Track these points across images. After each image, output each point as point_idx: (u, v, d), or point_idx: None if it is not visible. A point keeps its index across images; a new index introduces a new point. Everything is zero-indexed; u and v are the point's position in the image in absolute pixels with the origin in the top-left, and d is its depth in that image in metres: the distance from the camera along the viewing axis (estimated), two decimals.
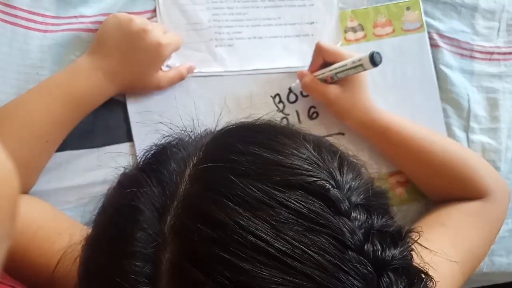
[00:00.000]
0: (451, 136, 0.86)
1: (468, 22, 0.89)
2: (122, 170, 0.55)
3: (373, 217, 0.42)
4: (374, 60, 0.68)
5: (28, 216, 0.64)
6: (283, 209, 0.39)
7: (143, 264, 0.40)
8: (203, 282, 0.38)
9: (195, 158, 0.46)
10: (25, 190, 0.71)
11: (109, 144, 0.77)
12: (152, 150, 0.52)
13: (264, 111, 0.81)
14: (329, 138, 0.80)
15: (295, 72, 0.81)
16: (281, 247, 0.37)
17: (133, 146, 0.77)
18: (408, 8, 0.86)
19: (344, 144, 0.83)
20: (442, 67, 0.86)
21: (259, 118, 0.54)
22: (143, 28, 0.71)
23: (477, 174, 0.78)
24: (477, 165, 0.79)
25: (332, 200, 0.40)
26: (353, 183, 0.44)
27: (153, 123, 0.78)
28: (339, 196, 0.41)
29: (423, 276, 0.42)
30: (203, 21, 0.81)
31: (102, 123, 0.77)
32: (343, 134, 0.83)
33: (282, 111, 0.82)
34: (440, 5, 0.88)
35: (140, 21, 0.72)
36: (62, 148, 0.74)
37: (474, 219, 0.76)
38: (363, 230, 0.40)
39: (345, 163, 0.46)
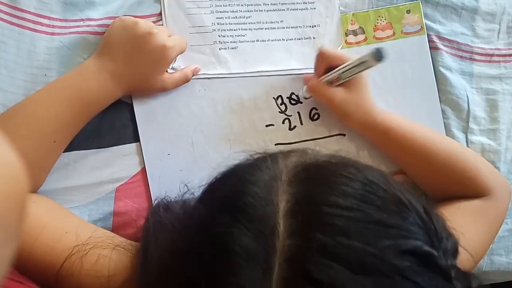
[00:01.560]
0: (450, 137, 0.86)
1: (468, 24, 0.90)
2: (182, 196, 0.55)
3: (469, 277, 0.42)
4: (378, 55, 0.67)
5: (35, 214, 0.64)
6: (401, 279, 0.38)
7: None
8: None
9: (283, 202, 0.44)
10: (33, 190, 0.71)
11: (115, 145, 0.77)
12: (219, 184, 0.49)
13: (267, 112, 0.82)
14: (331, 139, 0.82)
15: (297, 74, 0.82)
16: None
17: (139, 146, 0.78)
18: (408, 11, 0.87)
19: (345, 145, 0.84)
20: (442, 69, 0.87)
21: (332, 154, 0.51)
22: (148, 31, 0.72)
23: (479, 173, 0.78)
24: (479, 164, 0.79)
25: (439, 266, 0.40)
26: (448, 243, 0.43)
27: (159, 123, 0.79)
28: (443, 260, 0.41)
29: None
30: (208, 25, 0.82)
31: (109, 124, 0.77)
32: (344, 135, 0.84)
33: (284, 112, 0.83)
34: (441, 8, 0.88)
35: (145, 24, 0.72)
36: (69, 148, 0.74)
37: (475, 217, 0.76)
38: None
39: (433, 215, 0.45)
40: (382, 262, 0.38)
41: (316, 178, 0.47)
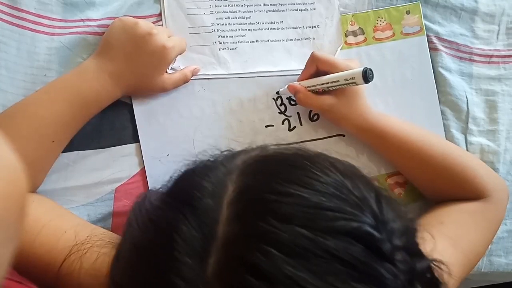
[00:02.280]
0: (449, 138, 0.86)
1: (468, 25, 0.90)
2: (140, 194, 0.55)
3: (414, 259, 0.42)
4: (366, 76, 0.69)
5: (34, 214, 0.64)
6: (331, 258, 0.39)
7: None
8: None
9: (229, 192, 0.45)
10: (32, 190, 0.72)
11: (115, 145, 0.78)
12: (177, 179, 0.51)
13: (266, 113, 0.82)
14: (331, 140, 0.82)
15: (297, 75, 0.82)
16: None
17: (139, 147, 0.78)
18: (408, 12, 0.87)
19: (345, 145, 0.84)
20: (441, 70, 0.87)
21: (287, 146, 0.53)
22: (148, 32, 0.72)
23: (476, 175, 0.78)
24: (476, 167, 0.79)
25: (377, 246, 0.40)
26: (393, 224, 0.43)
27: (158, 124, 0.79)
28: (382, 241, 0.41)
29: None
30: (207, 25, 0.82)
31: (108, 124, 0.77)
32: (343, 135, 0.84)
33: (283, 113, 0.83)
34: (440, 9, 0.88)
35: (145, 25, 0.72)
36: (69, 148, 0.74)
37: (473, 218, 0.76)
38: (406, 275, 0.40)
39: (382, 198, 0.45)
40: (315, 244, 0.39)
41: (261, 169, 0.49)
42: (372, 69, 0.70)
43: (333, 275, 0.38)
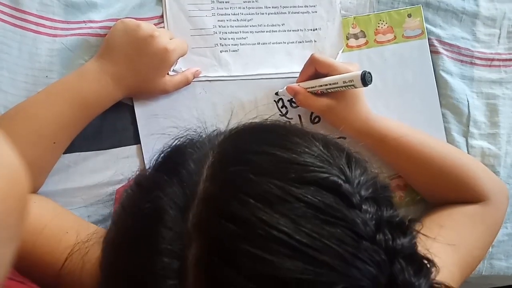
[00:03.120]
0: (450, 141, 0.86)
1: (469, 29, 0.90)
2: (135, 172, 0.58)
3: (382, 209, 0.44)
4: (365, 80, 0.69)
5: (35, 214, 0.64)
6: (301, 204, 0.41)
7: (170, 260, 0.42)
8: (231, 275, 0.40)
9: (211, 158, 0.48)
10: (33, 190, 0.72)
11: (116, 147, 0.78)
12: (165, 151, 0.54)
13: (267, 115, 0.82)
14: None
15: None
16: (302, 239, 0.40)
17: (140, 148, 0.78)
18: (409, 15, 0.87)
19: None
20: (442, 73, 0.87)
21: (266, 119, 0.56)
22: (150, 34, 0.72)
23: (476, 178, 0.78)
24: (476, 170, 0.79)
25: (344, 194, 0.43)
26: (361, 178, 0.45)
27: (159, 126, 0.79)
28: (350, 190, 0.43)
29: (429, 262, 0.44)
30: (209, 27, 0.82)
31: (109, 126, 0.77)
32: (344, 138, 0.83)
33: (285, 115, 0.83)
34: (441, 12, 0.89)
35: (147, 27, 0.73)
36: (70, 150, 0.75)
37: (472, 221, 0.76)
38: (374, 221, 0.42)
39: (352, 159, 0.48)
40: (286, 192, 0.42)
41: (239, 136, 0.52)
42: (371, 73, 0.70)
43: (303, 217, 0.41)
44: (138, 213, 0.47)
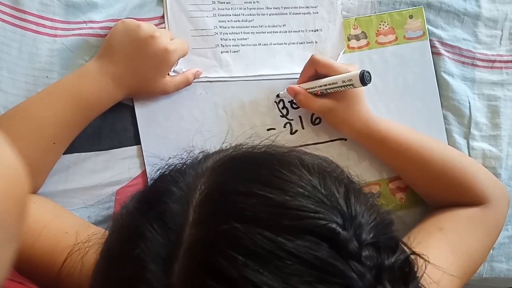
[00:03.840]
0: (451, 143, 0.86)
1: (471, 30, 0.90)
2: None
3: (383, 256, 0.41)
4: (364, 79, 0.69)
5: (35, 215, 0.64)
6: (293, 259, 0.38)
7: None
8: None
9: (197, 195, 0.45)
10: (33, 191, 0.72)
11: (116, 147, 0.77)
12: (150, 186, 0.51)
13: (268, 116, 0.82)
14: (332, 144, 0.82)
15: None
16: None
17: (140, 149, 0.78)
18: (411, 17, 0.87)
19: (347, 150, 0.84)
20: (444, 75, 0.87)
21: (258, 144, 0.53)
22: (150, 35, 0.72)
23: (476, 181, 0.78)
24: (476, 172, 0.79)
25: (342, 244, 0.39)
26: (362, 219, 0.42)
27: (160, 126, 0.79)
28: (348, 238, 0.40)
29: None
30: (210, 28, 0.82)
31: (109, 126, 0.77)
32: (345, 139, 0.84)
33: (285, 116, 0.83)
34: (443, 14, 0.89)
35: (147, 27, 0.72)
36: (70, 150, 0.75)
37: (472, 224, 0.76)
38: (373, 271, 0.39)
39: (352, 192, 0.44)
40: (277, 245, 0.38)
41: (228, 170, 0.48)
42: (371, 73, 0.70)
43: (296, 276, 0.37)
44: (120, 264, 0.44)
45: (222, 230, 0.40)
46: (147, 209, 0.46)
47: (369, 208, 0.44)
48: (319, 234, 0.39)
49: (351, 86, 0.71)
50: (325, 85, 0.75)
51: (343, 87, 0.73)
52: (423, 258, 0.45)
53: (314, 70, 0.78)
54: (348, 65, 0.77)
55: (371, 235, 0.41)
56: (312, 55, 0.78)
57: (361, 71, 0.69)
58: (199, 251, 0.40)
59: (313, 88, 0.77)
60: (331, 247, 0.39)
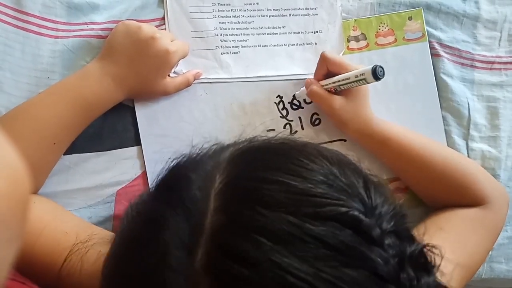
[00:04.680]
0: (451, 144, 0.86)
1: (470, 32, 0.90)
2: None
3: (404, 244, 0.41)
4: (376, 74, 0.69)
5: (35, 215, 0.65)
6: (318, 244, 0.38)
7: None
8: None
9: (217, 183, 0.45)
10: (33, 191, 0.72)
11: (117, 148, 0.78)
12: (165, 174, 0.50)
13: (268, 117, 0.83)
14: (332, 144, 0.82)
15: (299, 79, 0.82)
16: (322, 286, 0.37)
17: (140, 150, 0.78)
18: (410, 18, 0.87)
19: (346, 151, 0.84)
20: (443, 76, 0.87)
21: (274, 136, 0.53)
22: (151, 36, 0.72)
23: (476, 182, 0.78)
24: (476, 174, 0.79)
25: (365, 230, 0.40)
26: (382, 208, 0.43)
27: (160, 127, 0.79)
28: (371, 225, 0.40)
29: None
30: (210, 29, 0.82)
31: (110, 127, 0.78)
32: (344, 140, 0.84)
33: (285, 117, 0.83)
34: (442, 15, 0.89)
35: (148, 29, 0.73)
36: (70, 151, 0.75)
37: (472, 224, 0.76)
38: (396, 258, 0.39)
39: (371, 184, 0.45)
40: (302, 230, 0.39)
41: (248, 159, 0.48)
42: (383, 66, 0.69)
43: (322, 260, 0.38)
44: (141, 250, 0.44)
45: (245, 215, 0.41)
46: (167, 196, 0.47)
47: (387, 199, 0.45)
48: (342, 220, 0.40)
49: (363, 81, 0.71)
50: (338, 81, 0.75)
51: (356, 83, 0.72)
52: (437, 249, 0.46)
53: (326, 67, 0.78)
54: (355, 64, 0.78)
55: (392, 223, 0.42)
56: (322, 52, 0.78)
57: (373, 66, 0.69)
58: (223, 237, 0.40)
59: (327, 85, 0.77)
60: (355, 233, 0.39)
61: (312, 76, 0.81)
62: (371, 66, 0.69)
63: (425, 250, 0.44)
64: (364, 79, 0.70)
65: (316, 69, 0.80)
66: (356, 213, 0.41)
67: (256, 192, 0.42)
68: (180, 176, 0.48)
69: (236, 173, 0.46)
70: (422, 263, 0.42)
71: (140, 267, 0.44)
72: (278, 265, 0.37)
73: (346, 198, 0.42)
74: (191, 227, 0.42)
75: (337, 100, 0.77)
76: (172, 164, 0.51)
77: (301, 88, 0.82)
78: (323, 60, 0.78)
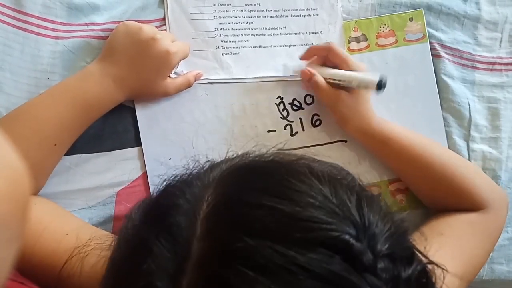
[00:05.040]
0: (451, 145, 0.86)
1: (471, 33, 0.90)
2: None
3: (399, 267, 0.39)
4: (380, 86, 0.69)
5: (36, 216, 0.64)
6: (305, 274, 0.36)
7: None
8: None
9: (205, 207, 0.43)
10: (34, 192, 0.72)
11: (117, 149, 0.78)
12: (156, 198, 0.49)
13: (268, 118, 0.83)
14: (332, 145, 0.82)
15: (299, 80, 0.82)
16: None
17: (141, 150, 0.78)
18: (411, 19, 0.87)
19: (347, 151, 0.84)
20: (444, 77, 0.87)
21: (266, 152, 0.51)
22: (152, 37, 0.72)
23: (475, 186, 0.78)
24: (476, 179, 0.79)
25: (355, 256, 0.38)
26: (376, 229, 0.41)
27: (161, 128, 0.79)
28: (362, 250, 0.38)
29: None
30: (210, 30, 0.82)
31: (111, 128, 0.78)
32: (345, 141, 0.84)
33: (286, 118, 0.83)
34: (443, 16, 0.89)
35: (149, 29, 0.73)
36: (71, 151, 0.75)
37: (472, 229, 0.76)
38: (390, 284, 0.38)
39: (364, 201, 0.43)
40: (288, 260, 0.37)
41: (236, 180, 0.47)
42: (385, 81, 0.70)
43: None
44: (128, 279, 0.43)
45: (230, 244, 0.39)
46: (153, 223, 0.45)
47: (383, 217, 0.42)
48: (331, 246, 0.38)
49: (363, 87, 0.71)
50: (339, 80, 0.75)
51: (357, 85, 0.73)
52: (441, 267, 0.44)
53: (325, 54, 0.78)
54: (358, 64, 0.78)
55: (386, 245, 0.40)
56: (330, 42, 0.78)
57: (380, 78, 0.69)
58: (207, 265, 0.39)
59: (326, 78, 0.77)
60: (345, 260, 0.37)
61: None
62: (377, 77, 0.69)
63: (427, 269, 0.42)
64: (367, 86, 0.71)
65: (312, 48, 0.80)
66: (346, 237, 0.38)
67: (243, 218, 0.41)
68: (168, 202, 0.46)
69: (224, 196, 0.44)
70: (420, 286, 0.41)
71: None
72: None
73: (337, 221, 0.39)
74: (176, 255, 0.41)
75: (341, 95, 0.77)
76: (163, 185, 0.50)
77: (303, 65, 0.81)
78: (328, 49, 0.78)
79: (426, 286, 0.41)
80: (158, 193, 0.50)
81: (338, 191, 0.43)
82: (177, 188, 0.48)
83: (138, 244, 0.44)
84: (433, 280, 0.42)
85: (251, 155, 0.52)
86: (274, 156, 0.50)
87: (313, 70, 0.78)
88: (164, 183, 0.50)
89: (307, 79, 0.79)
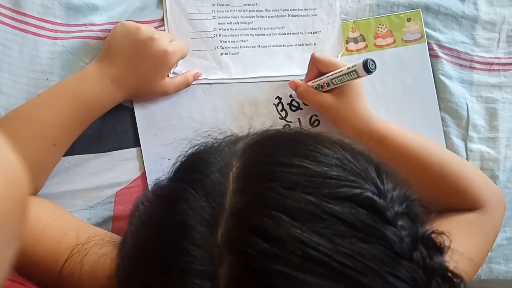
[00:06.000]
0: (449, 145, 0.86)
1: (469, 33, 0.90)
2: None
3: (416, 225, 0.43)
4: (367, 67, 0.69)
5: (35, 216, 0.64)
6: (336, 221, 0.40)
7: (201, 281, 0.41)
8: None
9: (234, 168, 0.47)
10: (33, 193, 0.72)
11: (116, 149, 0.78)
12: (183, 160, 0.52)
13: (267, 118, 0.83)
14: None
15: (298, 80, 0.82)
16: (343, 261, 0.38)
17: (140, 151, 0.78)
18: (409, 19, 0.87)
19: None
20: (442, 77, 0.87)
21: (286, 124, 0.55)
22: (150, 37, 0.72)
23: (473, 186, 0.78)
24: (473, 178, 0.79)
25: (379, 210, 0.42)
26: (394, 192, 0.45)
27: (159, 128, 0.79)
28: (384, 206, 0.42)
29: (459, 278, 0.44)
30: (209, 30, 0.82)
31: (110, 128, 0.78)
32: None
33: (284, 118, 0.83)
34: (441, 16, 0.89)
35: (147, 29, 0.73)
36: (70, 152, 0.75)
37: (469, 229, 0.76)
38: (409, 238, 0.41)
39: (383, 171, 0.47)
40: (320, 208, 0.41)
41: (265, 145, 0.51)
42: (375, 60, 0.69)
43: (340, 236, 0.39)
44: (162, 228, 0.46)
45: (264, 195, 0.43)
46: (187, 178, 0.48)
47: (398, 184, 0.47)
48: (357, 201, 0.42)
49: (354, 73, 0.70)
50: (332, 75, 0.75)
51: (347, 76, 0.72)
52: (446, 235, 0.48)
53: (317, 69, 0.78)
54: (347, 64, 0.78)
55: (403, 206, 0.44)
56: (312, 54, 0.78)
57: (364, 59, 0.69)
58: (243, 216, 0.42)
59: (320, 79, 0.77)
60: (370, 213, 0.41)
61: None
62: (361, 60, 0.69)
63: (433, 235, 0.45)
64: (355, 71, 0.70)
65: (307, 71, 0.80)
66: (370, 194, 0.43)
67: (274, 174, 0.44)
68: (199, 161, 0.50)
69: (253, 158, 0.48)
70: (433, 244, 0.44)
71: (162, 243, 0.45)
72: (298, 239, 0.39)
73: (360, 181, 0.44)
74: (211, 207, 0.44)
75: (327, 98, 0.77)
76: (189, 152, 0.53)
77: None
78: (314, 61, 0.78)
79: (437, 246, 0.44)
80: (185, 157, 0.53)
81: (359, 158, 0.47)
82: (206, 151, 0.52)
83: (172, 196, 0.48)
84: (441, 244, 0.46)
85: (273, 129, 0.55)
86: (297, 129, 0.54)
87: (296, 81, 0.80)
88: (190, 150, 0.54)
89: (294, 89, 0.81)
